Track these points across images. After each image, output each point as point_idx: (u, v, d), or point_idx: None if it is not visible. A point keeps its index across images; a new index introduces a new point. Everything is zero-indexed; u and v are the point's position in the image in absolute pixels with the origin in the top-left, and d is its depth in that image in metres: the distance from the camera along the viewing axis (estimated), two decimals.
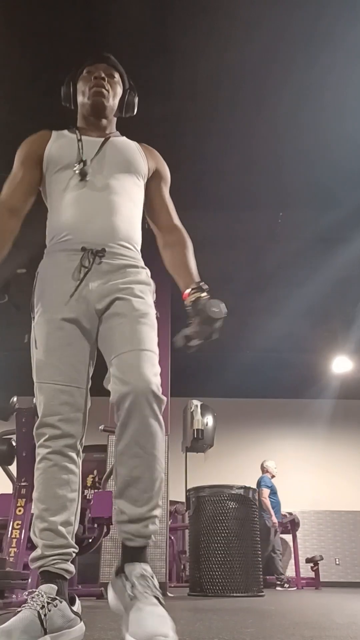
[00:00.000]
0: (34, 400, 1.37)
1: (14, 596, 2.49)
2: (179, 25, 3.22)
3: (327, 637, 1.37)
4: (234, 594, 3.75)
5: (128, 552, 1.22)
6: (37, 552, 1.22)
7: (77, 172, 1.47)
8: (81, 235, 1.42)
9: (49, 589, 1.15)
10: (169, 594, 4.00)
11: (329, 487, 8.62)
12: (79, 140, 1.54)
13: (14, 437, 2.96)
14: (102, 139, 1.57)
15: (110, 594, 1.24)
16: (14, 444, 2.95)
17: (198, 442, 5.53)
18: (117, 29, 3.22)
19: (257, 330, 6.92)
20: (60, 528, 1.23)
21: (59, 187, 1.48)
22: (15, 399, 2.92)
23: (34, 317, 1.40)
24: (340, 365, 7.63)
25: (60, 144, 1.54)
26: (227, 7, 3.21)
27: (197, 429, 5.46)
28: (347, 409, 9.32)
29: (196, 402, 5.47)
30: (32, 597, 1.12)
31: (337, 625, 1.78)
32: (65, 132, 1.59)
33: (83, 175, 1.47)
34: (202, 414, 5.59)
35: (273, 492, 6.99)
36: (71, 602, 1.21)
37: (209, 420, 5.66)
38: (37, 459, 1.30)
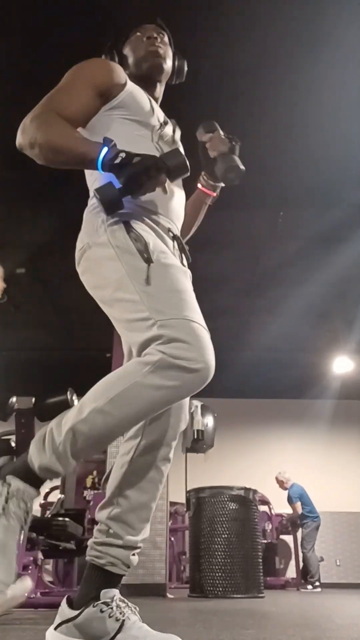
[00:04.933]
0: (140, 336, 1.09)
1: None
2: (179, 25, 3.22)
3: (327, 639, 1.36)
4: (235, 595, 3.74)
5: (107, 578, 1.12)
6: (58, 468, 1.06)
7: (156, 135, 1.37)
8: (165, 212, 1.32)
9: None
10: (169, 595, 3.98)
11: (329, 488, 8.60)
12: (150, 100, 1.44)
13: (13, 437, 2.95)
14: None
15: (67, 632, 1.07)
16: (12, 445, 2.94)
17: (198, 443, 5.52)
18: (117, 29, 3.22)
19: (257, 330, 6.91)
20: None
21: (128, 137, 1.32)
22: (14, 399, 2.91)
23: (150, 260, 1.16)
24: (341, 365, 7.61)
25: (137, 91, 1.42)
26: (227, 7, 3.20)
27: (197, 430, 5.44)
28: (348, 410, 9.31)
29: (196, 403, 5.45)
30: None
31: (338, 626, 1.77)
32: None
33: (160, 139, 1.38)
34: (202, 415, 5.58)
35: (303, 502, 7.07)
36: None
37: (209, 420, 5.64)
38: (149, 383, 1.04)
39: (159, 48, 1.50)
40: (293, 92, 3.76)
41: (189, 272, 1.31)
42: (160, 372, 1.04)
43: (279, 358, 7.72)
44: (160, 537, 4.10)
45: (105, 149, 1.17)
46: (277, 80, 3.67)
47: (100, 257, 1.22)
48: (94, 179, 1.35)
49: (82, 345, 7.15)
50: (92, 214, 1.28)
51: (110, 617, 1.05)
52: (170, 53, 1.55)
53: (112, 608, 1.06)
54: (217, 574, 3.84)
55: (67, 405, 2.83)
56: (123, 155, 1.16)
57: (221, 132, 1.42)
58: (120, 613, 1.05)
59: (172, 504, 5.94)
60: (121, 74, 1.39)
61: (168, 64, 1.54)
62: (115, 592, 1.10)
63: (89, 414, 1.04)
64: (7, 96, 3.69)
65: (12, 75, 3.57)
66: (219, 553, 3.91)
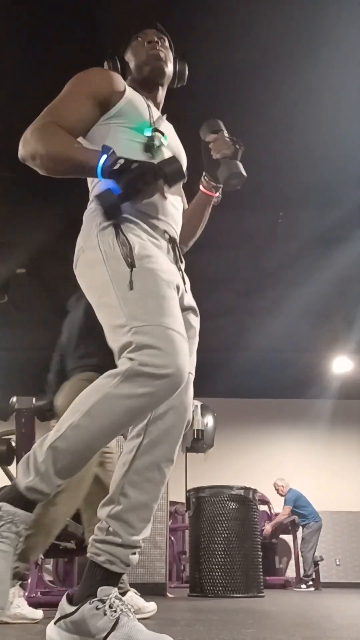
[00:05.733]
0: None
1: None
2: (179, 24, 3.22)
3: (327, 638, 1.37)
4: (234, 595, 3.74)
5: (106, 576, 1.12)
6: (44, 487, 1.07)
7: (154, 142, 1.37)
8: (161, 214, 1.33)
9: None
10: (169, 595, 3.99)
11: (329, 488, 8.61)
12: (148, 106, 1.45)
13: (13, 437, 2.95)
14: (162, 115, 1.51)
15: (65, 628, 1.08)
16: (13, 444, 2.94)
17: (198, 443, 5.53)
18: (118, 28, 3.22)
19: (257, 330, 6.92)
20: None
21: (123, 145, 1.34)
22: (14, 399, 2.91)
23: (133, 264, 1.17)
24: (341, 365, 7.62)
25: (137, 98, 1.44)
26: (227, 7, 3.21)
27: (197, 429, 5.45)
28: (347, 410, 9.32)
29: (196, 403, 5.46)
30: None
31: (338, 626, 1.78)
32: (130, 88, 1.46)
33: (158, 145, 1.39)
34: (202, 414, 5.59)
35: (298, 505, 7.05)
36: None
37: (209, 420, 5.65)
38: (120, 393, 1.06)
39: (160, 52, 1.53)
40: (293, 92, 3.76)
41: (178, 276, 1.31)
42: (129, 381, 1.06)
43: (279, 358, 7.73)
44: (160, 537, 4.10)
45: (104, 157, 1.19)
46: (277, 80, 3.68)
47: (90, 260, 1.25)
48: (95, 182, 1.38)
49: None
50: (89, 217, 1.31)
51: (105, 614, 1.04)
52: (171, 57, 1.59)
53: (108, 606, 1.05)
54: (217, 574, 3.84)
55: None
56: (122, 161, 1.18)
57: (225, 133, 1.42)
58: (115, 611, 1.05)
59: (172, 503, 5.94)
60: (119, 82, 1.42)
61: (169, 68, 1.57)
62: (113, 590, 1.09)
63: (66, 430, 1.07)
64: (7, 97, 3.69)
65: (12, 77, 3.57)
66: (219, 552, 3.92)
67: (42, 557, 2.85)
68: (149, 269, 1.18)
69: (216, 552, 3.92)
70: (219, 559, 3.89)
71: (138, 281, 1.15)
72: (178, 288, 1.29)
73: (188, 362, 1.12)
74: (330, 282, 5.82)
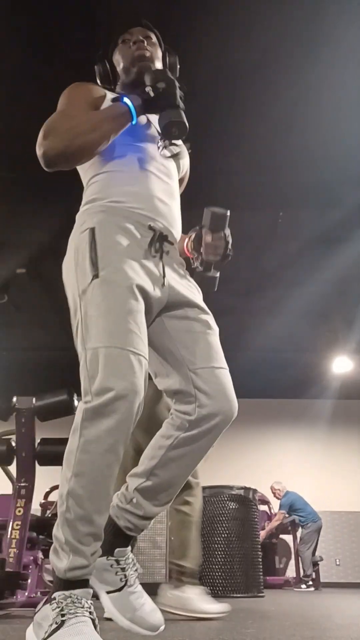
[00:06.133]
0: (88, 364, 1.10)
1: (14, 597, 2.49)
2: (179, 25, 3.22)
3: (327, 638, 1.37)
4: (234, 595, 3.74)
5: (123, 538, 1.23)
6: (80, 562, 1.04)
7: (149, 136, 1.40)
8: (147, 210, 1.31)
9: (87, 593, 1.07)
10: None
11: (329, 488, 8.61)
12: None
13: (13, 437, 2.95)
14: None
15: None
16: (13, 444, 2.95)
17: None
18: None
19: (257, 330, 6.92)
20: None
21: (114, 147, 1.35)
22: (14, 399, 2.91)
23: (96, 275, 1.16)
24: (341, 365, 7.62)
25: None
26: (227, 7, 3.21)
27: None
28: (347, 410, 9.31)
29: None
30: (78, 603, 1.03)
31: (338, 626, 1.78)
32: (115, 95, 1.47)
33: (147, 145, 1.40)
34: None
35: (295, 508, 7.03)
36: None
37: None
38: (90, 438, 1.05)
39: (146, 51, 1.51)
40: (293, 91, 3.76)
41: (153, 275, 1.24)
42: (91, 424, 1.05)
43: (279, 358, 7.73)
44: (160, 537, 4.09)
45: (126, 100, 1.28)
46: (277, 80, 3.68)
47: (68, 265, 1.26)
48: (89, 182, 1.39)
49: None
50: (78, 218, 1.32)
51: (117, 574, 1.19)
52: (159, 54, 1.56)
53: (121, 567, 1.20)
54: (216, 574, 3.85)
55: (66, 405, 2.83)
56: (149, 89, 1.29)
57: (225, 234, 1.36)
58: (126, 575, 1.19)
59: None
60: (98, 89, 1.47)
61: (158, 66, 1.54)
62: (128, 553, 1.22)
63: (68, 502, 1.04)
64: (7, 97, 3.69)
65: (12, 77, 3.57)
66: (219, 552, 3.92)
67: (42, 557, 2.85)
68: (111, 281, 1.15)
69: (216, 552, 3.93)
70: (219, 559, 3.89)
71: (98, 296, 1.14)
72: (147, 291, 1.21)
73: (140, 378, 1.08)
74: (330, 282, 5.81)
